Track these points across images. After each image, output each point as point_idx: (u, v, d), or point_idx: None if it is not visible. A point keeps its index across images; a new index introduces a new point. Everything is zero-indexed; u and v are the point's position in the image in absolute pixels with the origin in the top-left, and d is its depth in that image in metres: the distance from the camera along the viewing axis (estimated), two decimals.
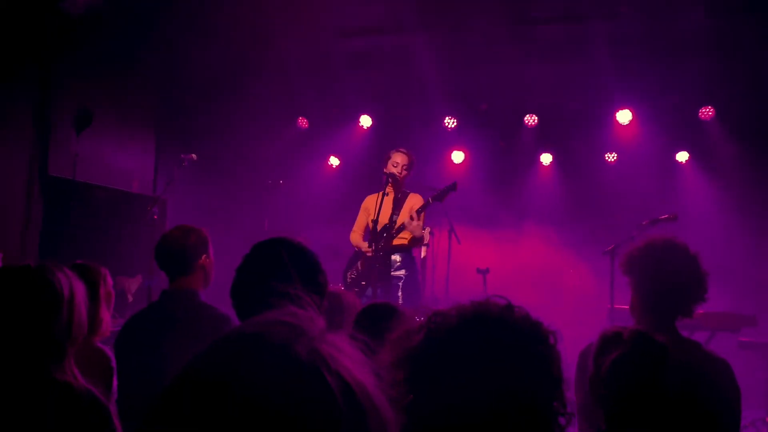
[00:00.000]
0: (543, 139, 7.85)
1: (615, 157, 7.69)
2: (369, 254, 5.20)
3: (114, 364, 2.65)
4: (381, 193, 5.30)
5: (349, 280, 5.46)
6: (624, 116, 7.41)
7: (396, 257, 5.37)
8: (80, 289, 1.76)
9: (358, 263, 5.45)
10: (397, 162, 5.36)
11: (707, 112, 7.19)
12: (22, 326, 1.66)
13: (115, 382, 2.65)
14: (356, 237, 5.65)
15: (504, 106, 7.82)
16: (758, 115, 6.88)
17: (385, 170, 5.34)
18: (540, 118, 7.75)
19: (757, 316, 4.79)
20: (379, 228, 5.18)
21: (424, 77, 7.49)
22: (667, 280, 2.29)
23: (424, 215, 5.33)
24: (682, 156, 7.43)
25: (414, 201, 5.40)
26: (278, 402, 0.65)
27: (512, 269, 7.16)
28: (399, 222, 5.26)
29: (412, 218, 5.06)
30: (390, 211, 5.36)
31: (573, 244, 7.06)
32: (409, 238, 5.33)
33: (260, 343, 0.69)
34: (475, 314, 1.11)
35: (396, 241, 5.32)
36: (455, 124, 8.02)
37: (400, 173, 5.35)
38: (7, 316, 1.66)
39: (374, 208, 5.18)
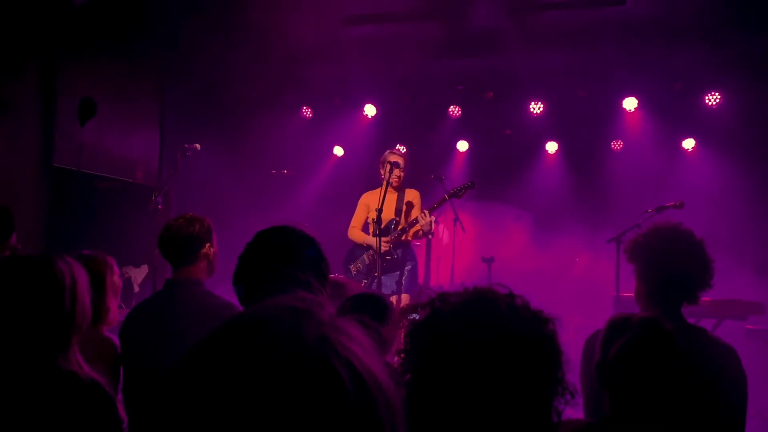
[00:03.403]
0: (549, 127, 7.80)
1: (621, 145, 7.65)
2: (385, 248, 5.33)
3: (120, 352, 2.66)
4: (384, 190, 5.34)
5: (354, 272, 5.54)
6: (630, 103, 7.36)
7: (398, 250, 5.54)
8: (83, 278, 1.76)
9: (364, 256, 5.58)
10: (399, 163, 5.49)
11: (714, 98, 7.14)
12: (25, 316, 1.66)
13: (121, 371, 2.66)
14: (358, 233, 5.74)
15: (509, 94, 7.77)
16: (764, 100, 6.82)
17: (382, 171, 5.50)
18: (546, 106, 7.71)
19: (765, 303, 4.76)
20: (383, 223, 5.34)
21: (428, 66, 7.45)
22: (672, 267, 2.27)
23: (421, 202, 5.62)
24: (689, 143, 7.39)
25: (411, 196, 5.63)
26: (283, 389, 0.64)
27: (517, 258, 7.15)
28: (411, 217, 5.50)
29: (424, 215, 5.27)
30: (393, 207, 5.55)
31: (578, 232, 7.04)
32: (412, 233, 5.49)
33: (265, 327, 0.69)
34: (479, 297, 1.15)
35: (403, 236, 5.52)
36: (460, 112, 7.99)
37: (401, 175, 5.52)
38: (10, 306, 1.67)
39: (378, 204, 5.25)
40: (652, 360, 1.75)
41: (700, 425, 1.97)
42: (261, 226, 2.11)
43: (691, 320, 2.39)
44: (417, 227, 5.37)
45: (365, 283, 5.38)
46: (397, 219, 5.55)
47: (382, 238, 5.24)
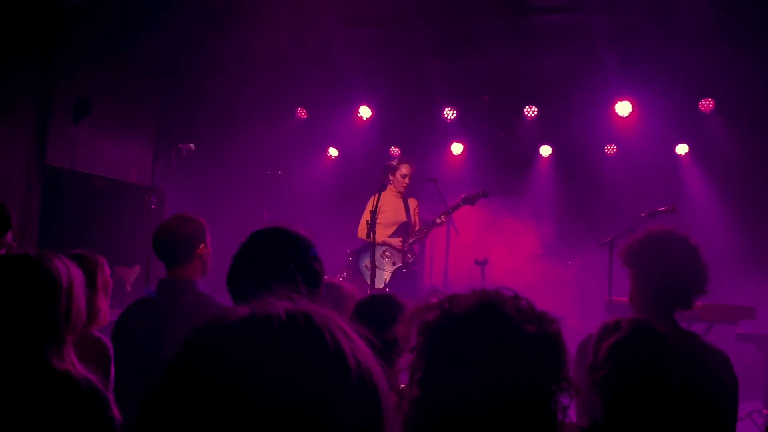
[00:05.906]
0: (543, 130, 7.82)
1: (614, 149, 7.67)
2: (406, 246, 6.00)
3: (111, 353, 2.65)
4: (379, 194, 5.74)
5: (369, 270, 5.75)
6: (624, 108, 7.38)
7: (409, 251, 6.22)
8: (79, 278, 1.76)
9: (384, 254, 6.09)
10: (405, 174, 6.06)
11: (707, 104, 7.17)
12: (20, 315, 1.66)
13: (112, 371, 2.65)
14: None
15: (504, 97, 7.79)
16: (758, 107, 6.86)
17: (392, 178, 6.05)
18: (540, 109, 7.73)
19: (756, 307, 4.78)
20: (396, 226, 6.04)
21: (424, 68, 7.46)
22: (667, 271, 2.28)
23: (419, 209, 6.29)
24: (682, 148, 7.42)
25: (414, 203, 6.26)
26: (298, 367, 0.67)
27: (510, 261, 7.16)
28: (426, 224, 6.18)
29: (441, 220, 5.86)
30: (403, 211, 6.11)
31: (571, 235, 7.05)
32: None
33: (254, 314, 0.72)
34: (489, 299, 1.20)
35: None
36: (455, 115, 8.00)
37: (408, 183, 6.10)
38: (5, 304, 1.66)
39: (382, 206, 5.78)
40: (641, 359, 1.77)
41: (692, 429, 1.98)
42: (256, 227, 2.10)
43: (682, 324, 2.40)
44: (432, 229, 6.01)
45: (386, 279, 5.91)
46: (408, 222, 6.11)
47: (407, 239, 6.01)
